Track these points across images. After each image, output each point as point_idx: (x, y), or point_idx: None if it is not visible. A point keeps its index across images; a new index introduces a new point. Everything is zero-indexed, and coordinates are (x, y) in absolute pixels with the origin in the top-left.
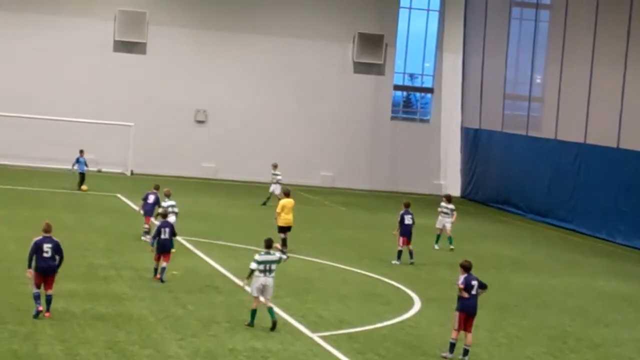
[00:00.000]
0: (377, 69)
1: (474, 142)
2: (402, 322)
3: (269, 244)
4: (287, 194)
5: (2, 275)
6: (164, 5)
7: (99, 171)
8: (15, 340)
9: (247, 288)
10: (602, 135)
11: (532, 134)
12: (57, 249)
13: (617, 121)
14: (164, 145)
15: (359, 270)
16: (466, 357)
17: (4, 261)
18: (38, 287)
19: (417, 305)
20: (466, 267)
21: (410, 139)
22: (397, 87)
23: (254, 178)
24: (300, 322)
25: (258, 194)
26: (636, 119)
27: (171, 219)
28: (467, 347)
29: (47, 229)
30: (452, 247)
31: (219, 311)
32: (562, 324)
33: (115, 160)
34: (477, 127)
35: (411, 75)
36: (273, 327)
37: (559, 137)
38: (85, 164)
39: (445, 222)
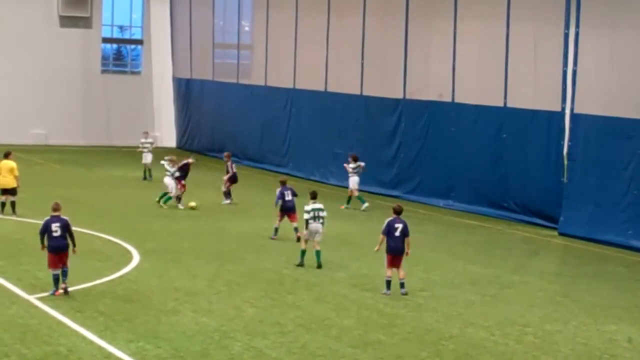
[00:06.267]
0: (84, 22)
1: (187, 92)
2: (121, 277)
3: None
4: (6, 155)
5: None
6: None
7: None
8: None
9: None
10: (310, 80)
11: (242, 81)
12: (65, 228)
13: (324, 65)
14: None
15: (76, 228)
16: (404, 289)
17: None
18: (55, 267)
19: (136, 258)
20: (395, 211)
21: (122, 92)
22: (106, 40)
23: None
24: (16, 285)
25: None
26: (339, 62)
27: None
28: (401, 281)
29: (56, 208)
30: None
31: None
32: (279, 267)
33: None
34: (188, 77)
35: (121, 27)
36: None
37: (269, 84)
38: None
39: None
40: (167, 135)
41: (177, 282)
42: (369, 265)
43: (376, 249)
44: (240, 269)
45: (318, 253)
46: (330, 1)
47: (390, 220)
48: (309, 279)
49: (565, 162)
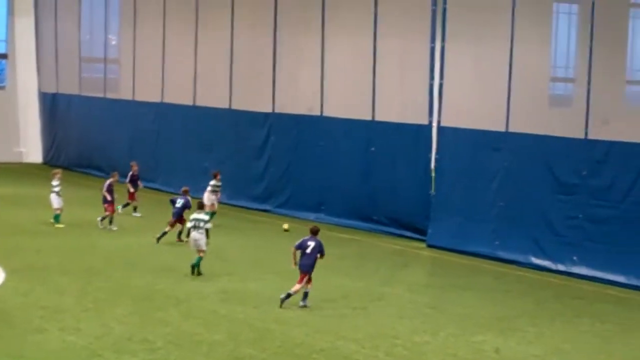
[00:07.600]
0: None
1: (53, 107)
2: None
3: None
4: None
5: None
6: None
7: None
8: None
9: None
10: (178, 94)
11: (110, 96)
12: None
13: (192, 79)
14: None
15: None
16: (284, 302)
17: None
18: None
19: (1, 277)
20: (311, 230)
21: None
22: None
23: None
24: None
25: None
26: (208, 76)
27: None
28: (290, 292)
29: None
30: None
31: None
32: (149, 283)
33: None
34: (54, 91)
35: None
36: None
37: (137, 98)
38: None
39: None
40: (33, 150)
41: (43, 300)
42: (239, 280)
43: (292, 263)
44: (108, 285)
45: (198, 259)
46: (198, 15)
47: (305, 238)
48: (178, 294)
49: (433, 174)
